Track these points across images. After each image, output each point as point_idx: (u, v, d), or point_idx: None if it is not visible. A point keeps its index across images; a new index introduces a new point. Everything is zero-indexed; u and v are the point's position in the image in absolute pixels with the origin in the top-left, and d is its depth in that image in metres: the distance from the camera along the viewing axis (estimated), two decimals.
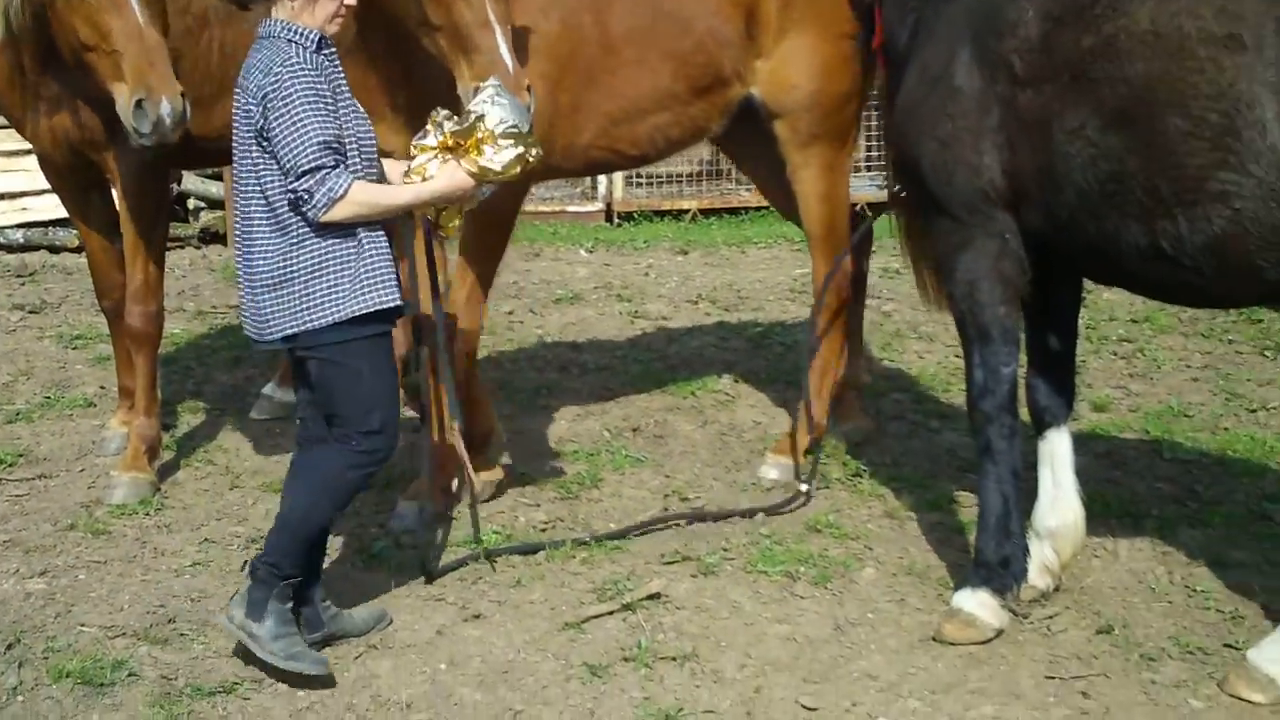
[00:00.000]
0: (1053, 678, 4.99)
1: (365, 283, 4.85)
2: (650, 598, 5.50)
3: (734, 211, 13.57)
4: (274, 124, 4.74)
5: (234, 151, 4.94)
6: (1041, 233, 5.09)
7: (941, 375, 8.49)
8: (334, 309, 4.83)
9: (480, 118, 4.98)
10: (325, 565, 5.37)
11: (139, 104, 5.68)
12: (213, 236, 12.26)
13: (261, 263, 4.87)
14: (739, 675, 5.00)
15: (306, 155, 4.70)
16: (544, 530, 6.19)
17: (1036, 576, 5.49)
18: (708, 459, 7.16)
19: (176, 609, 5.47)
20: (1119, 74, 4.69)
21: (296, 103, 4.73)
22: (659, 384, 8.25)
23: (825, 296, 6.82)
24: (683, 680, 4.97)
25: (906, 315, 9.92)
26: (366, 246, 4.87)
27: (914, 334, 9.44)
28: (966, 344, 5.35)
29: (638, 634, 5.27)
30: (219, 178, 11.92)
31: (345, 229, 4.82)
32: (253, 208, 4.89)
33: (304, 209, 4.76)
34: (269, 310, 4.88)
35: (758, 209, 12.95)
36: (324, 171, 4.71)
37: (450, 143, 5.01)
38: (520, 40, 5.66)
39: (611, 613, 5.43)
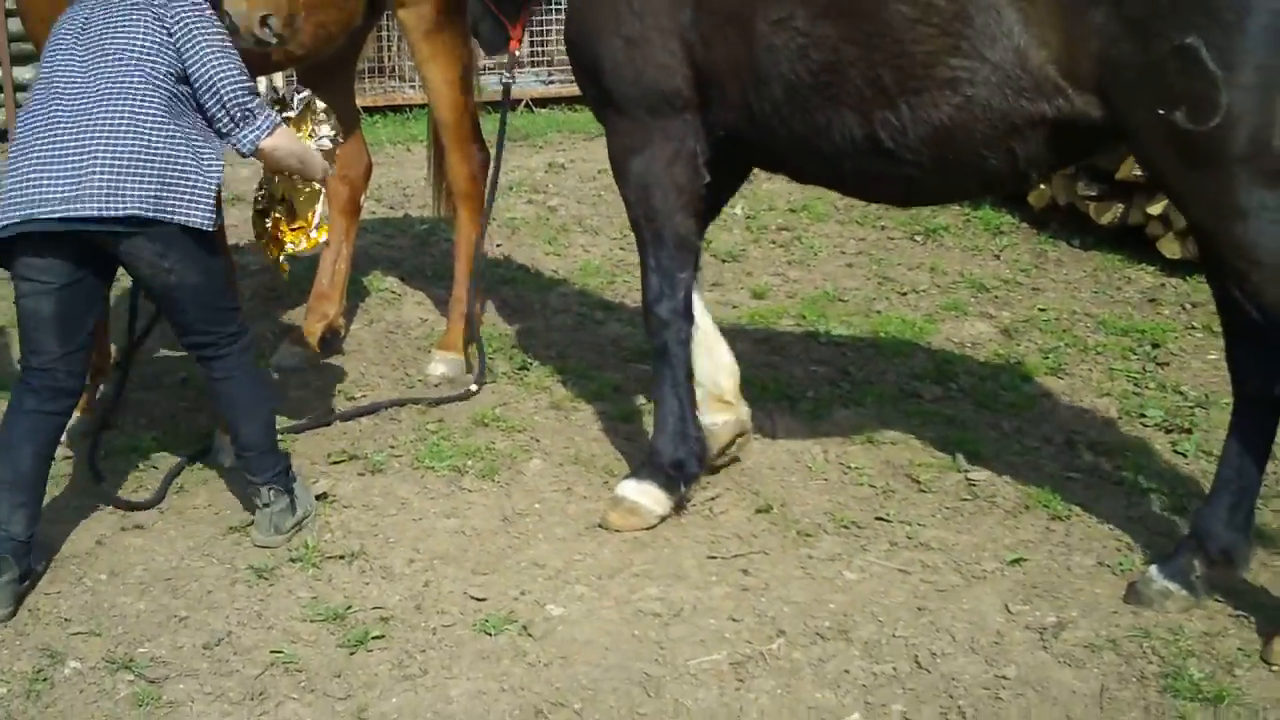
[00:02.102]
0: (714, 557, 5.10)
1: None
2: (317, 497, 5.44)
3: (399, 109, 13.40)
4: (200, 39, 4.89)
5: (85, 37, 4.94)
6: (739, 132, 5.01)
7: (606, 268, 8.56)
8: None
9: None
10: None
11: None
12: None
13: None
14: (407, 570, 4.99)
15: (245, 77, 4.94)
16: (207, 435, 6.06)
17: (711, 416, 5.55)
18: (374, 357, 7.10)
19: None
20: None
21: (219, 35, 4.95)
22: None
23: (467, 188, 6.87)
24: (351, 578, 4.94)
25: (572, 209, 9.98)
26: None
27: (579, 228, 9.50)
28: (642, 248, 5.31)
29: (304, 533, 5.21)
30: None
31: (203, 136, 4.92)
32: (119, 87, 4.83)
33: (244, 130, 4.93)
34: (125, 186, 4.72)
35: (421, 106, 12.76)
36: (259, 98, 4.97)
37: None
38: None
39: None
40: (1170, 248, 8.25)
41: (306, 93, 5.57)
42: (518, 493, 5.60)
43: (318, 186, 5.51)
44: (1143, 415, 6.31)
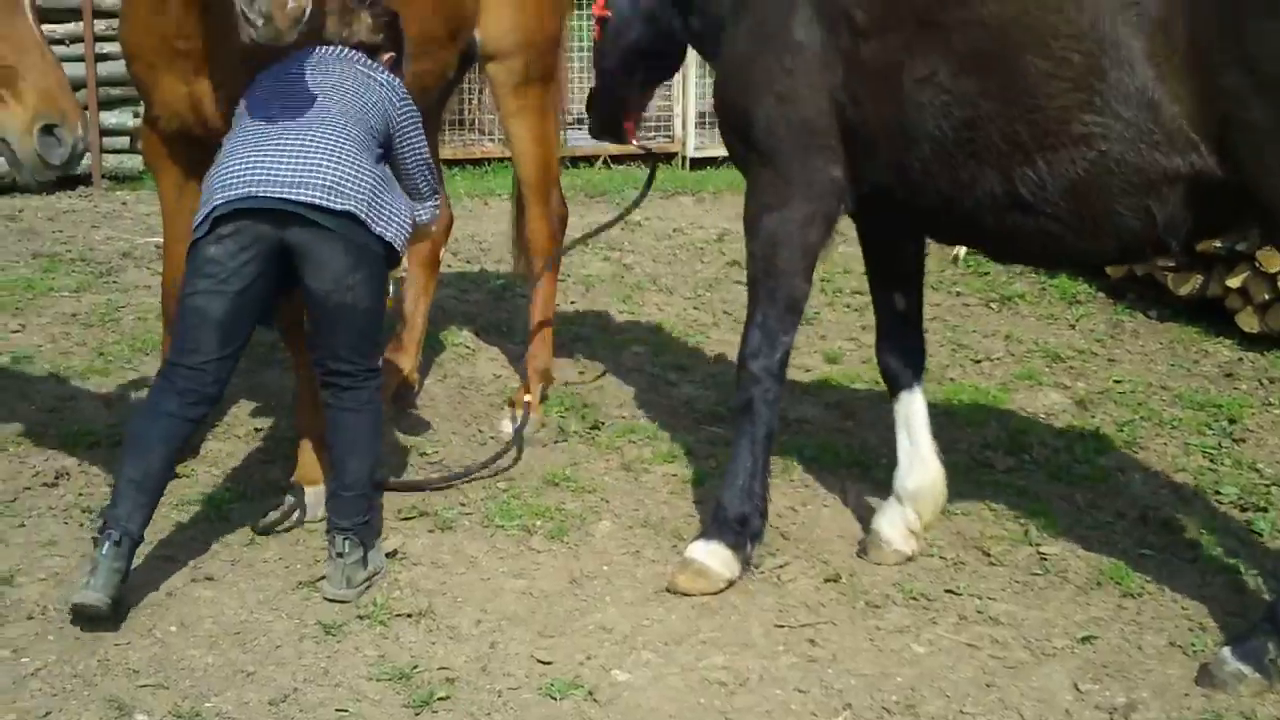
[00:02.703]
0: (782, 626, 5.08)
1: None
2: (388, 555, 5.46)
3: (477, 162, 13.51)
4: (415, 128, 5.40)
5: (312, 82, 5.20)
6: (889, 191, 5.06)
7: (680, 328, 8.58)
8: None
9: None
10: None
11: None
12: None
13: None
14: (475, 631, 5.00)
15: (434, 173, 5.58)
16: (284, 490, 6.08)
17: (901, 541, 5.56)
18: (447, 412, 7.13)
19: None
20: (971, 17, 4.63)
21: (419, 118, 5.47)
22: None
23: (546, 245, 6.96)
24: (418, 637, 4.95)
25: (647, 267, 10.01)
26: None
27: (654, 286, 9.53)
28: (752, 302, 5.33)
29: (373, 591, 5.23)
30: None
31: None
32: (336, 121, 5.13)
33: (429, 198, 5.50)
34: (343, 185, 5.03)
35: (501, 160, 12.89)
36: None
37: None
38: None
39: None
40: (1249, 322, 8.18)
41: None
42: (586, 554, 5.60)
43: None
44: (1218, 492, 6.26)
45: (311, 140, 5.01)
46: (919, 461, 5.59)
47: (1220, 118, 4.28)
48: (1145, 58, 4.34)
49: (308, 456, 5.84)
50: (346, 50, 5.37)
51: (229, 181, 4.96)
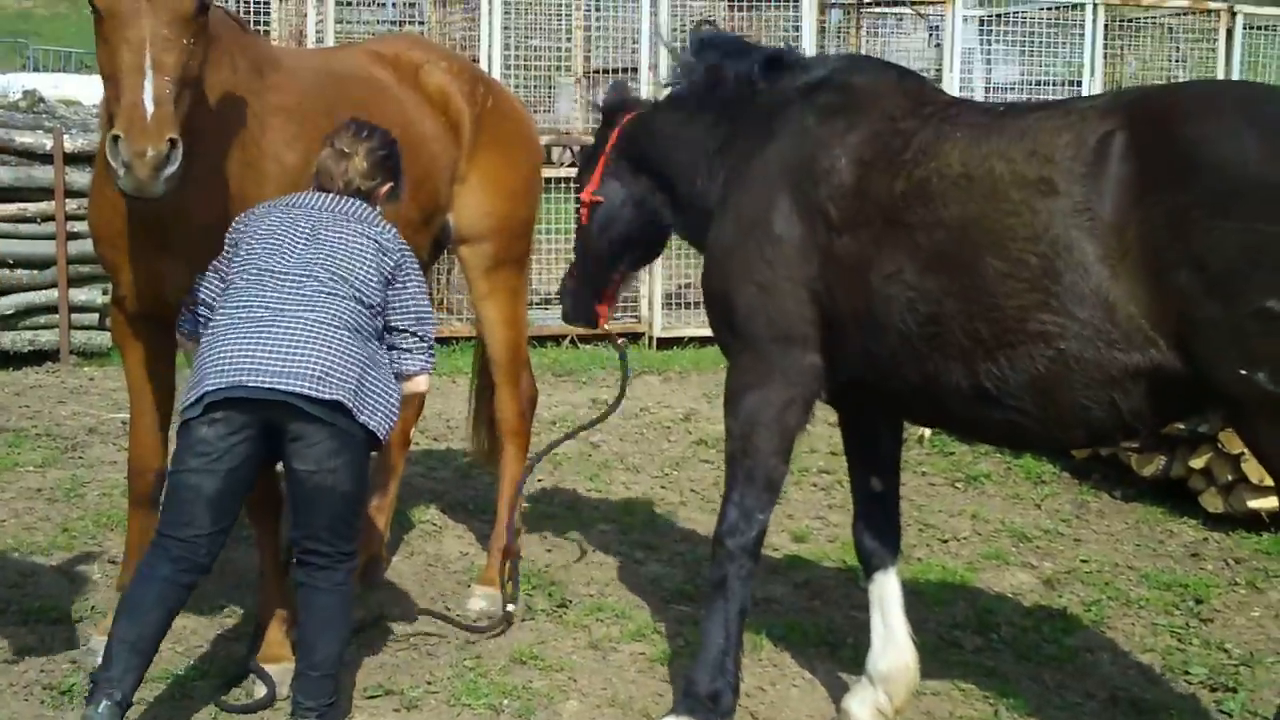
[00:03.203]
0: None
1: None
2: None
3: (445, 341, 13.55)
4: (410, 284, 5.36)
5: (323, 260, 5.21)
6: (862, 377, 5.13)
7: (647, 506, 8.58)
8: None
9: None
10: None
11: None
12: None
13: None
14: None
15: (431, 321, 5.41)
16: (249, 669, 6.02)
17: None
18: (414, 590, 7.08)
19: None
20: (933, 218, 4.74)
21: (420, 272, 5.45)
22: None
23: (516, 424, 6.97)
24: None
25: (614, 446, 10.03)
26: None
27: (621, 464, 9.54)
28: (729, 480, 5.36)
29: None
30: None
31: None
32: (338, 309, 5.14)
33: (418, 356, 5.35)
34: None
35: (468, 339, 12.94)
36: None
37: None
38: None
39: None
40: (1213, 502, 8.23)
41: None
42: None
43: None
44: (1187, 672, 6.25)
45: (300, 326, 5.03)
46: (892, 644, 5.58)
47: (1175, 315, 4.37)
48: (1099, 260, 4.44)
49: (273, 635, 5.79)
50: (339, 202, 5.39)
51: (221, 367, 4.99)
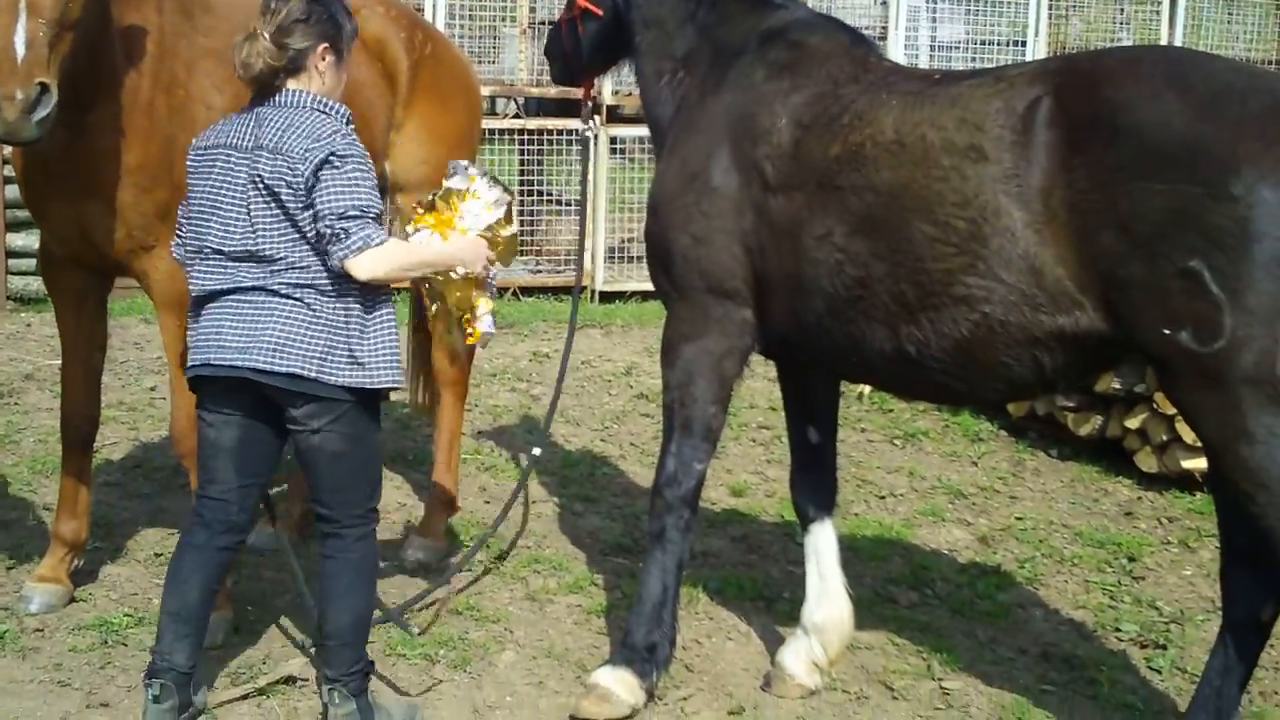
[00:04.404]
0: None
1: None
2: (285, 681, 5.38)
3: None
4: (326, 183, 4.71)
5: (223, 208, 4.85)
6: (789, 335, 5.17)
7: (586, 459, 8.58)
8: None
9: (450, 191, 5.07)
10: None
11: None
12: None
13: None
14: None
15: (354, 202, 4.70)
16: None
17: (805, 674, 5.57)
18: None
19: None
20: (865, 182, 4.78)
21: (352, 169, 4.75)
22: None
23: (452, 374, 6.99)
24: None
25: None
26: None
27: (561, 418, 9.51)
28: (667, 431, 5.38)
29: (270, 718, 5.14)
30: None
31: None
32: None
33: (334, 248, 4.68)
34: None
35: (405, 289, 12.87)
36: (365, 220, 4.70)
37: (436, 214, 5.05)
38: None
39: (245, 697, 5.29)
40: (1147, 462, 8.30)
41: (463, 166, 5.19)
42: (489, 684, 5.55)
43: (472, 275, 5.06)
44: (1118, 629, 6.32)
45: (262, 299, 4.82)
46: (827, 595, 5.62)
47: (1101, 277, 4.40)
48: (1026, 225, 4.48)
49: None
50: (253, 126, 4.88)
51: (196, 343, 4.93)
